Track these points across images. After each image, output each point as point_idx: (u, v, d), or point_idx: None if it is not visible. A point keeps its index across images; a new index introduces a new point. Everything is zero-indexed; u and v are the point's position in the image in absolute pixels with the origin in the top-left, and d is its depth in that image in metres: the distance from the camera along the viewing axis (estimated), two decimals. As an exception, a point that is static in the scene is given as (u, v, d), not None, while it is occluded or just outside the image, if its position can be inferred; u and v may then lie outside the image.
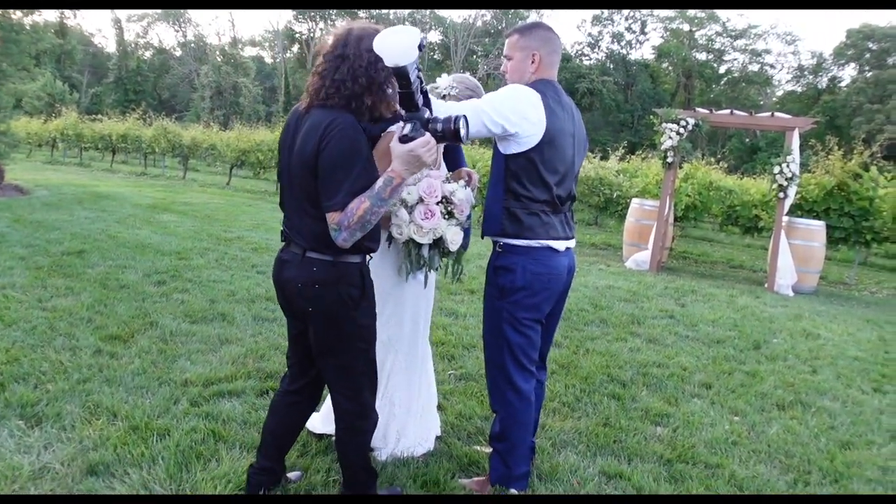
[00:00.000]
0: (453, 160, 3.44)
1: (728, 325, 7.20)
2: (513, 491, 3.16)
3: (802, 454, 4.00)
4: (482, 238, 3.23)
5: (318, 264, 2.53)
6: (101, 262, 7.12)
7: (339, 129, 2.40)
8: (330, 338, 2.62)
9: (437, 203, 3.03)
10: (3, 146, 14.08)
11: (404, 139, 2.38)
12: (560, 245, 3.06)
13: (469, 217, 3.21)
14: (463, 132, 2.43)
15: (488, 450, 3.37)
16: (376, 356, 3.33)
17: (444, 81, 3.33)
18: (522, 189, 2.96)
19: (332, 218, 2.39)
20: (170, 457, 3.17)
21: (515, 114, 2.86)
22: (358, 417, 2.73)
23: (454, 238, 3.08)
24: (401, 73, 2.30)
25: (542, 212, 2.99)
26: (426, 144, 2.37)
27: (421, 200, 3.02)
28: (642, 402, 4.60)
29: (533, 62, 3.03)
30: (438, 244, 3.10)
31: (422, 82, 2.45)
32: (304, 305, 2.59)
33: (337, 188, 2.38)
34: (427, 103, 2.53)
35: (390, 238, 3.19)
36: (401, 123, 2.47)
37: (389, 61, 2.28)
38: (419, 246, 3.08)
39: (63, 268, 6.71)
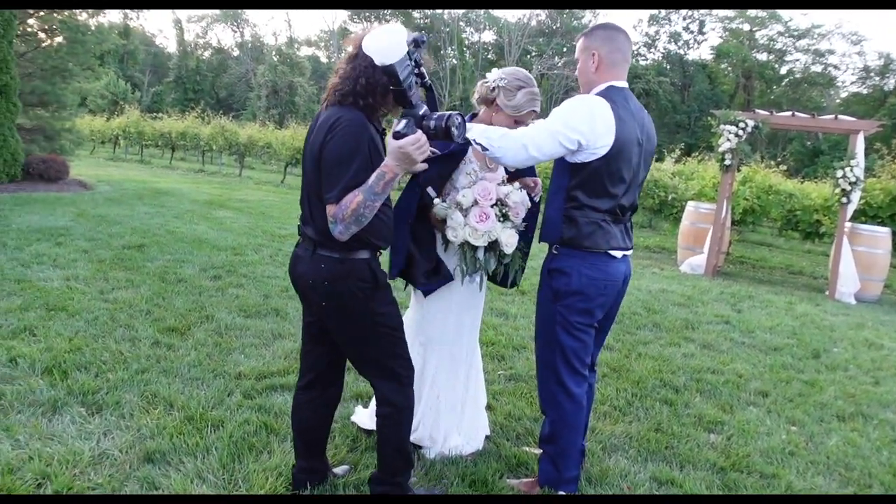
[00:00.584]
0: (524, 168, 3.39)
1: (786, 333, 7.02)
2: (561, 493, 3.14)
3: (863, 467, 3.88)
4: (538, 242, 3.22)
5: (326, 261, 2.58)
6: (160, 257, 7.29)
7: (343, 126, 2.45)
8: (349, 329, 2.67)
9: (492, 206, 3.03)
10: (68, 143, 14.56)
11: (396, 135, 2.41)
12: (618, 252, 3.02)
13: (526, 220, 3.19)
14: (456, 131, 2.44)
15: (538, 451, 3.34)
16: (422, 354, 3.35)
17: (493, 75, 3.31)
18: (586, 198, 2.92)
19: (329, 210, 2.45)
20: (223, 447, 3.23)
21: (587, 125, 2.81)
22: (393, 402, 2.75)
23: (509, 241, 3.07)
24: (389, 72, 2.36)
25: (602, 221, 2.95)
26: (416, 142, 2.38)
27: (476, 203, 3.02)
28: (695, 408, 4.51)
29: (593, 62, 2.99)
30: (494, 247, 3.09)
31: (423, 78, 2.49)
32: (318, 300, 2.64)
33: (336, 182, 2.43)
34: (431, 101, 2.56)
35: (446, 241, 3.19)
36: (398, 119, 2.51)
37: (378, 60, 2.36)
38: (474, 248, 3.08)
39: (124, 261, 6.89)
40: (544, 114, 3.11)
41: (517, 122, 3.21)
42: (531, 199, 3.29)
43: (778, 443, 4.08)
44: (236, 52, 62.92)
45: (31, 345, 4.32)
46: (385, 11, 55.99)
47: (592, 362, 3.33)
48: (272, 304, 5.84)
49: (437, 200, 3.15)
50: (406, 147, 2.37)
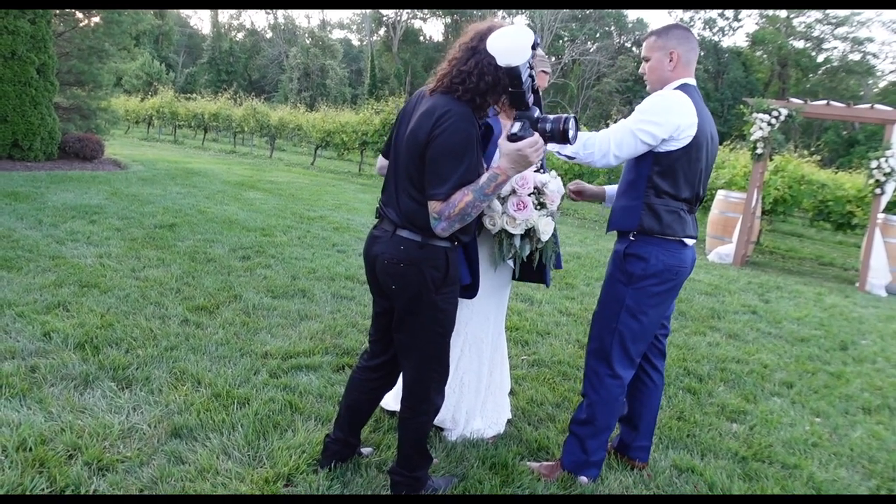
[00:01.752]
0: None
1: (814, 324, 6.95)
2: (582, 479, 3.16)
3: (888, 460, 3.85)
4: (606, 232, 3.25)
5: (406, 243, 2.57)
6: (191, 236, 7.40)
7: (453, 120, 2.42)
8: (409, 317, 2.66)
9: (530, 194, 3.06)
10: (103, 122, 14.75)
11: (513, 138, 2.40)
12: (690, 240, 3.12)
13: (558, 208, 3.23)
14: (572, 133, 2.43)
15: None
16: None
17: None
18: (669, 186, 3.00)
19: (434, 207, 2.42)
20: (248, 424, 3.29)
21: (672, 116, 2.91)
22: (421, 400, 2.76)
23: (546, 228, 3.12)
24: (513, 73, 2.33)
25: (681, 210, 3.04)
26: (534, 144, 2.38)
27: (513, 192, 3.05)
28: (719, 397, 4.51)
29: (671, 60, 3.06)
30: (530, 234, 3.13)
31: (533, 81, 2.46)
32: (389, 282, 2.63)
33: (445, 178, 2.41)
34: (538, 102, 2.54)
35: (480, 227, 3.21)
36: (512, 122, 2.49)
37: (502, 61, 2.32)
38: (511, 236, 3.12)
39: (155, 240, 7.01)
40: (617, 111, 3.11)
41: None
42: None
43: (801, 434, 4.07)
44: (269, 35, 63.17)
45: (65, 320, 4.43)
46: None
47: (663, 350, 3.41)
48: (299, 286, 5.91)
49: None
50: (525, 150, 2.37)
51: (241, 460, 3.02)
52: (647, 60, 3.16)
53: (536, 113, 2.44)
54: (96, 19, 14.18)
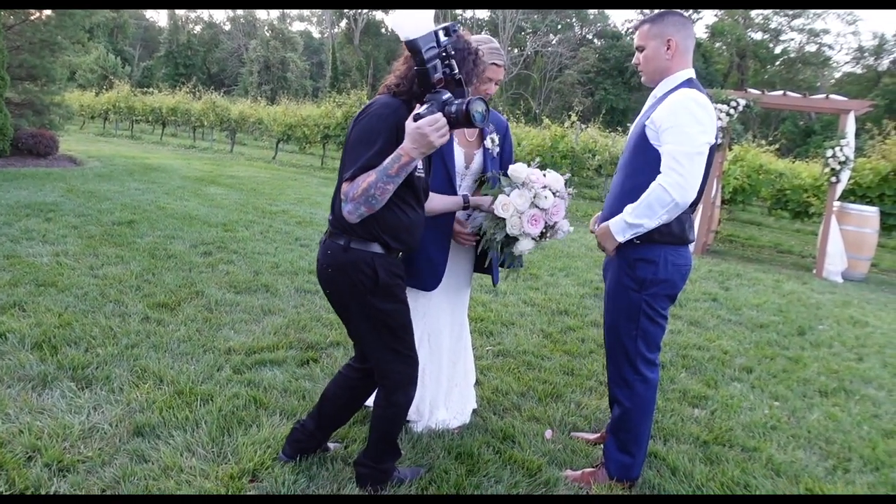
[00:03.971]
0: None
1: (773, 310, 7.09)
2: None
3: (843, 441, 3.95)
4: None
5: (332, 247, 2.59)
6: (150, 233, 7.29)
7: (374, 109, 2.48)
8: (349, 320, 2.69)
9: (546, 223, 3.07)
10: (57, 117, 14.44)
11: (416, 118, 2.39)
12: (692, 242, 3.10)
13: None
14: (476, 115, 2.36)
15: (590, 436, 3.51)
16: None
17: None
18: None
19: (343, 188, 2.46)
20: (212, 421, 3.26)
21: (711, 119, 2.83)
22: (390, 391, 2.76)
23: (526, 247, 3.12)
24: (413, 48, 2.36)
25: (687, 212, 2.95)
26: (433, 123, 2.33)
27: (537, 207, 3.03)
28: (681, 383, 4.57)
29: (669, 48, 2.94)
30: (510, 241, 3.11)
31: (453, 70, 2.45)
32: (323, 287, 2.68)
33: (355, 161, 2.44)
34: (461, 95, 2.49)
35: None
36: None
37: (402, 35, 2.35)
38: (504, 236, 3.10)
39: (114, 237, 6.89)
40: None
41: (484, 81, 3.21)
42: None
43: (760, 417, 4.15)
44: (228, 27, 62.39)
45: (21, 320, 4.34)
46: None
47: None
48: (262, 281, 5.86)
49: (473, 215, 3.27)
50: (423, 128, 2.33)
51: (206, 457, 3.00)
52: (641, 50, 3.03)
53: (446, 96, 2.41)
54: (48, 12, 13.86)
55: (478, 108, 2.36)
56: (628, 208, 2.86)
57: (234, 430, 3.23)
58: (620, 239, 2.90)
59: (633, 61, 3.16)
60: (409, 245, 2.68)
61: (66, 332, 4.21)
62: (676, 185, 2.73)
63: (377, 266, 2.56)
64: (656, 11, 3.07)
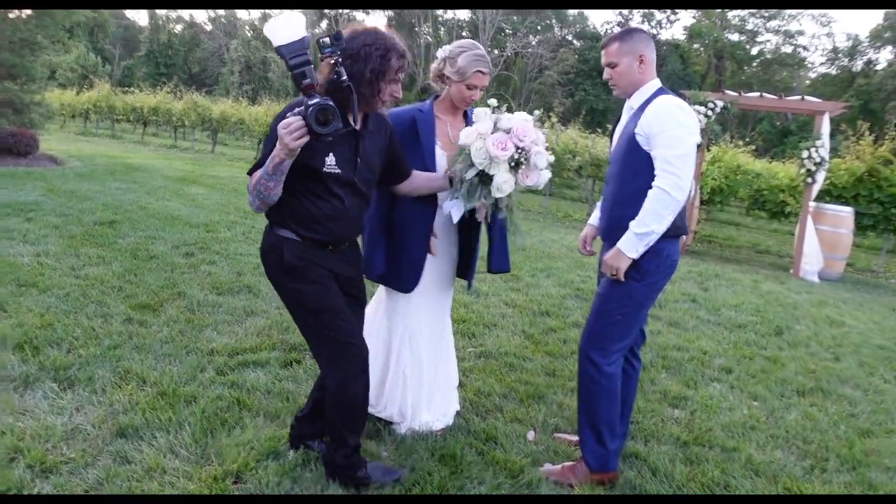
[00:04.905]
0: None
1: (751, 311, 7.18)
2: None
3: (821, 441, 4.01)
4: (606, 241, 3.24)
5: (264, 232, 2.81)
6: (132, 233, 7.26)
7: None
8: (283, 302, 2.85)
9: (517, 148, 3.03)
10: (37, 116, 14.29)
11: (278, 118, 2.52)
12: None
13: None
14: (313, 124, 2.37)
15: (573, 438, 3.51)
16: (387, 327, 3.46)
17: (440, 51, 3.37)
18: None
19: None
20: (196, 422, 3.27)
21: (694, 118, 3.01)
22: (328, 385, 2.83)
23: (503, 185, 3.05)
24: (280, 55, 2.45)
25: (683, 207, 3.05)
26: (287, 126, 2.40)
27: (509, 132, 3.02)
28: (660, 384, 4.63)
29: (642, 63, 3.10)
30: (485, 181, 3.06)
31: (339, 77, 2.52)
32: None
33: (260, 158, 2.63)
34: (346, 101, 2.58)
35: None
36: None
37: (273, 43, 2.45)
38: (469, 167, 3.04)
39: (95, 237, 6.85)
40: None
41: (468, 88, 3.25)
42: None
43: (739, 417, 4.21)
44: (209, 27, 61.99)
45: (2, 321, 4.31)
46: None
47: (644, 335, 3.52)
48: (245, 281, 5.86)
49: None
50: (280, 130, 2.41)
51: (189, 458, 3.00)
52: (612, 66, 3.14)
53: (314, 99, 2.41)
54: (28, 11, 13.73)
55: (318, 116, 2.38)
56: (633, 223, 2.96)
57: (217, 432, 3.23)
58: (634, 255, 2.99)
59: (604, 76, 3.25)
60: (329, 235, 2.76)
61: (47, 332, 4.20)
62: (674, 185, 2.88)
63: (284, 249, 2.71)
64: (622, 29, 3.24)
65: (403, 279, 3.32)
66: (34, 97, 14.19)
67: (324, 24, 55.55)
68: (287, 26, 2.43)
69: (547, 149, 3.14)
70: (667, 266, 3.15)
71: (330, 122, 2.38)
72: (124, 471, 2.85)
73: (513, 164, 3.03)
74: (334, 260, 2.81)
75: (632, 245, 2.97)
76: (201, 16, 62.04)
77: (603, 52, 3.21)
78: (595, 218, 3.54)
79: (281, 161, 2.47)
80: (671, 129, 2.93)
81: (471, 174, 3.05)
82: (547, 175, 3.16)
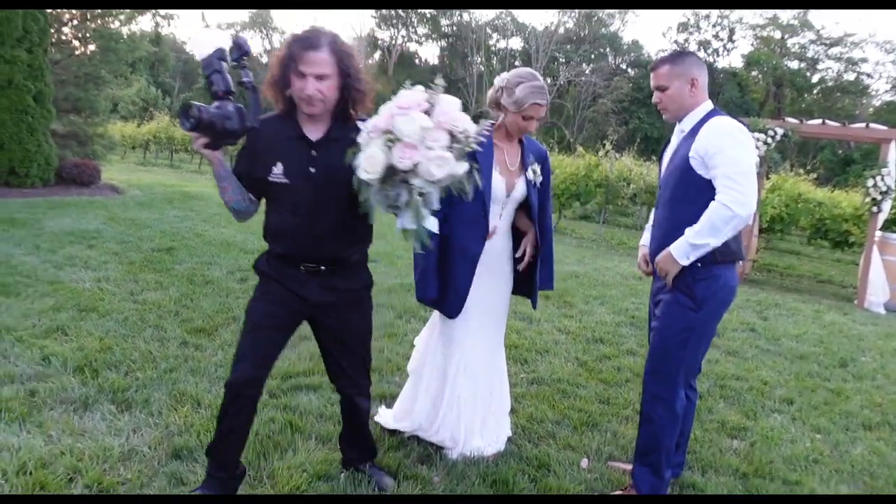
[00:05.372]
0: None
1: (813, 341, 6.95)
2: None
3: (888, 476, 3.84)
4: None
5: None
6: (189, 259, 7.41)
7: None
8: None
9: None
10: (100, 148, 14.80)
11: None
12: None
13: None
14: (186, 119, 2.45)
15: (627, 466, 3.44)
16: (444, 354, 3.46)
17: (498, 79, 3.39)
18: None
19: None
20: (248, 445, 3.27)
21: (748, 135, 2.94)
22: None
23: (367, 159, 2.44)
24: (203, 66, 2.57)
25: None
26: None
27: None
28: (718, 414, 4.50)
29: (693, 87, 3.03)
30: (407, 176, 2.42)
31: (246, 79, 2.64)
32: None
33: None
34: (255, 103, 2.72)
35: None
36: None
37: (197, 58, 2.60)
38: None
39: (153, 263, 7.01)
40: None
41: (524, 119, 3.24)
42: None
43: (802, 450, 4.06)
44: (265, 59, 63.54)
45: (63, 344, 4.42)
46: (413, 18, 56.13)
47: (700, 366, 3.43)
48: (298, 307, 5.90)
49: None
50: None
51: (243, 480, 3.01)
52: (663, 90, 3.08)
53: (216, 103, 2.54)
54: (92, 47, 14.29)
55: (180, 114, 2.51)
56: (689, 231, 2.88)
57: (270, 455, 3.25)
58: (684, 262, 2.92)
59: (653, 99, 3.19)
60: (291, 249, 2.75)
61: (106, 356, 4.29)
62: (736, 201, 2.78)
63: (262, 257, 2.89)
64: (672, 52, 3.17)
65: (449, 306, 3.31)
66: (97, 129, 14.71)
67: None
68: (202, 43, 2.57)
69: (460, 134, 2.50)
70: (724, 292, 3.06)
71: (192, 117, 2.44)
72: (179, 492, 2.87)
73: (388, 143, 2.42)
74: (311, 283, 2.74)
75: (684, 252, 2.90)
76: (257, 48, 63.48)
77: (652, 75, 3.14)
78: (646, 238, 3.46)
79: (216, 169, 2.65)
80: (729, 147, 2.85)
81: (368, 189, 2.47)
82: (454, 164, 2.44)
